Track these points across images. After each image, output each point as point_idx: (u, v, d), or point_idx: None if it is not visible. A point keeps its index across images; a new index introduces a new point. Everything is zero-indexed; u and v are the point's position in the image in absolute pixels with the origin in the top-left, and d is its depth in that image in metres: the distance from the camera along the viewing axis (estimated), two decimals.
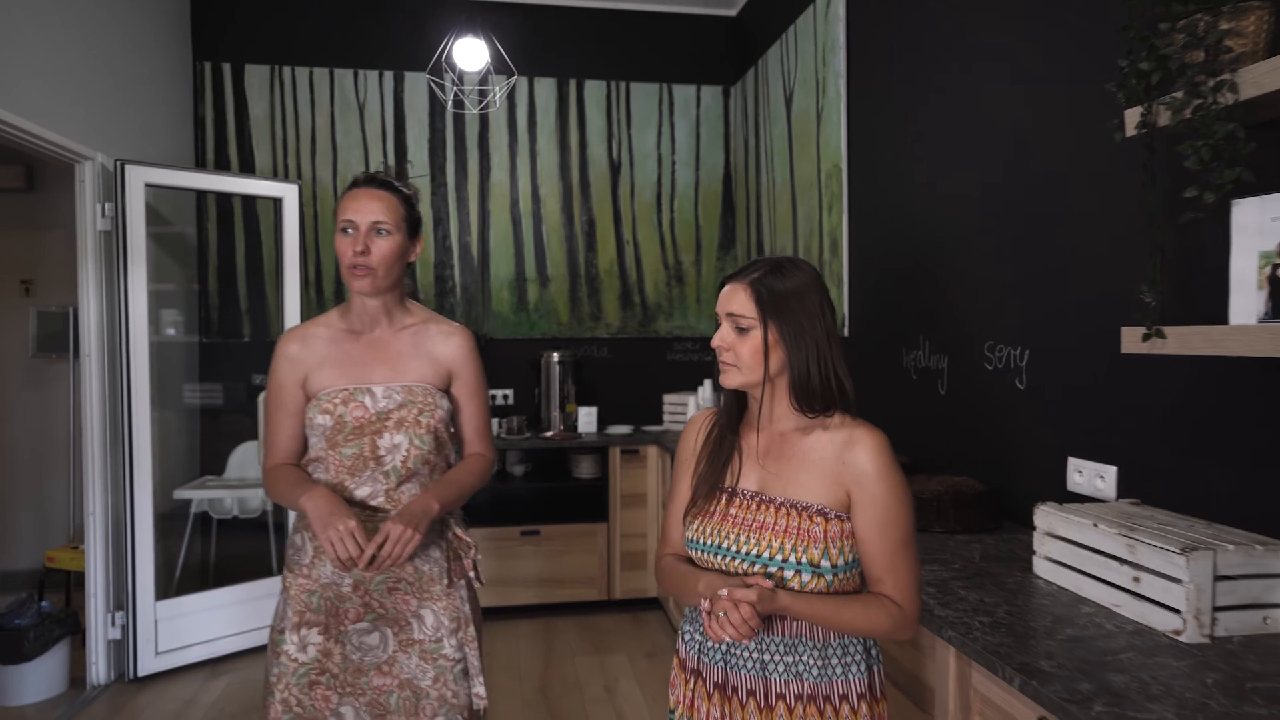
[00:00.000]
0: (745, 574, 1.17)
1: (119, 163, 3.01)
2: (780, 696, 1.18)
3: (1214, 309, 1.28)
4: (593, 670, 3.19)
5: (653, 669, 3.17)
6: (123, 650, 3.07)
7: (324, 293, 4.05)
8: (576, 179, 4.30)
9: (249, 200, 3.89)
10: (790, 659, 1.19)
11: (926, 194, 2.49)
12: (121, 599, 3.07)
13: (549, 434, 3.94)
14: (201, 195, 3.86)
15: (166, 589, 3.19)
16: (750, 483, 1.25)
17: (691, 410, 3.95)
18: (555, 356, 4.03)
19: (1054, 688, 1.10)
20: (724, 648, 1.22)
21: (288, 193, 3.39)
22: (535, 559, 3.73)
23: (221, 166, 3.95)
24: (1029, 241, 2.00)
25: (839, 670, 1.19)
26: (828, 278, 3.18)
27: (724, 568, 1.20)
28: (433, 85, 3.88)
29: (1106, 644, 1.25)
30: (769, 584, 1.12)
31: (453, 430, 1.69)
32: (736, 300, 1.19)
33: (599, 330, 4.33)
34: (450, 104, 3.97)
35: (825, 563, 1.16)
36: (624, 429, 4.05)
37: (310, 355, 1.60)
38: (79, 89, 2.90)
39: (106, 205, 3.02)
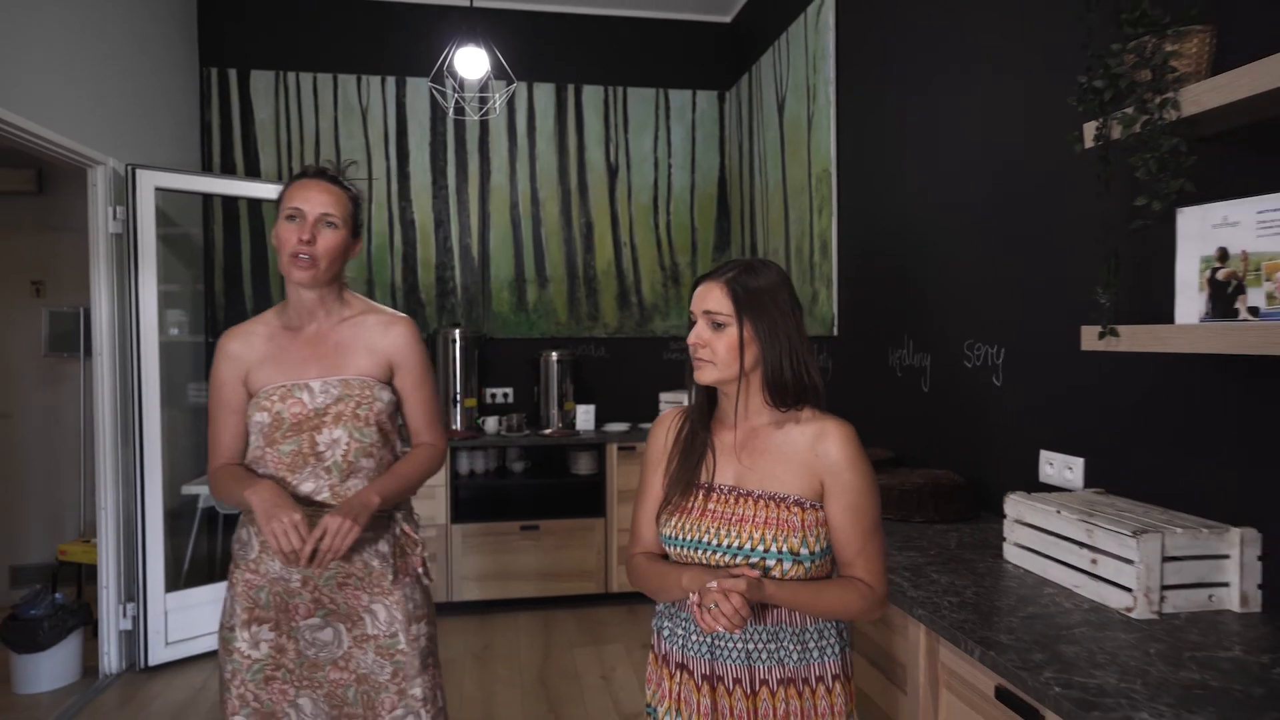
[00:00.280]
0: (728, 566, 1.21)
1: (130, 167, 3.10)
2: (764, 682, 1.23)
3: (1163, 309, 1.38)
4: (590, 660, 3.28)
5: (648, 658, 3.26)
6: (133, 640, 3.17)
7: None
8: (575, 182, 4.40)
9: (254, 203, 3.98)
10: (773, 646, 1.24)
11: (911, 199, 2.59)
12: (132, 591, 3.17)
13: (548, 431, 4.03)
14: (208, 198, 3.95)
15: (175, 581, 3.28)
16: (727, 477, 1.28)
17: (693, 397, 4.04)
18: (554, 355, 4.12)
19: (1009, 657, 1.19)
20: (710, 640, 1.25)
21: None
22: (534, 553, 3.83)
23: (227, 170, 4.05)
24: (1004, 245, 2.09)
25: (815, 654, 1.25)
26: (818, 279, 3.28)
27: (706, 562, 1.23)
28: (435, 93, 3.96)
29: (1063, 620, 1.34)
30: (755, 574, 1.17)
31: (401, 422, 1.68)
32: (712, 298, 1.24)
33: (597, 330, 4.42)
34: (451, 111, 4.06)
35: (804, 550, 1.20)
36: (621, 426, 4.15)
37: (250, 353, 1.58)
38: (92, 96, 2.99)
39: (118, 209, 3.11)
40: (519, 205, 4.35)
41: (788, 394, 1.24)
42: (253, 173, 4.05)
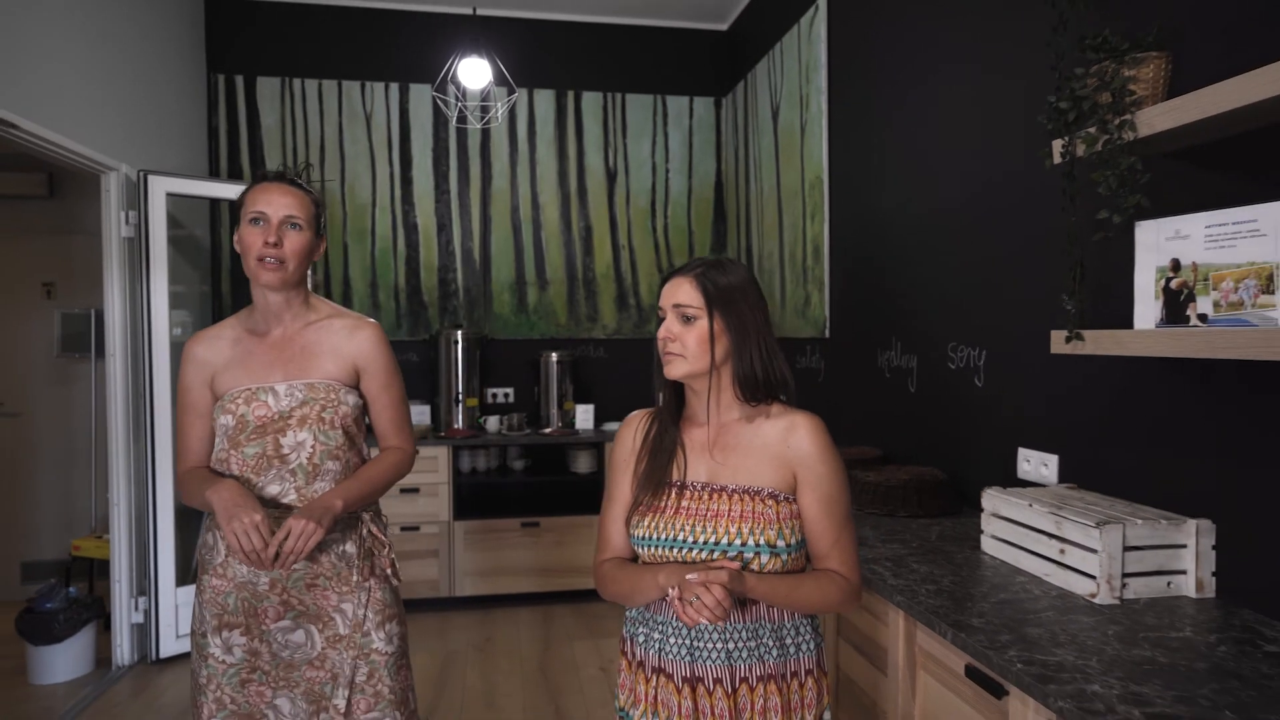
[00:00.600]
0: (706, 562, 1.21)
1: (142, 173, 3.19)
2: (744, 680, 1.23)
3: (1124, 315, 1.47)
4: (589, 652, 3.38)
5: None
6: (145, 633, 3.26)
7: (332, 294, 4.23)
8: (574, 186, 4.50)
9: None
10: (753, 644, 1.24)
11: (898, 207, 2.69)
12: (144, 585, 3.26)
13: (547, 430, 4.13)
14: (215, 201, 4.04)
15: (185, 576, 3.37)
16: (699, 474, 1.28)
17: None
18: (554, 356, 4.21)
19: (979, 639, 1.29)
20: (689, 642, 1.24)
21: None
22: (535, 549, 3.92)
23: (234, 175, 4.14)
24: (984, 253, 2.19)
25: (793, 650, 1.27)
26: (810, 282, 3.38)
27: (682, 560, 1.23)
28: (441, 103, 4.06)
29: (1031, 605, 1.44)
30: (736, 565, 1.17)
31: (368, 425, 1.69)
32: (682, 292, 1.24)
33: (596, 331, 4.52)
34: (455, 120, 4.15)
35: (781, 543, 1.21)
36: (620, 425, 4.23)
37: (216, 357, 1.58)
38: (105, 103, 3.08)
39: (130, 213, 3.21)
40: (520, 209, 4.44)
41: (758, 387, 1.25)
42: None
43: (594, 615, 3.81)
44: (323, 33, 4.22)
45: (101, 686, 3.02)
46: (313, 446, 1.54)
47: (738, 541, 1.20)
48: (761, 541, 1.20)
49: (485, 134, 4.37)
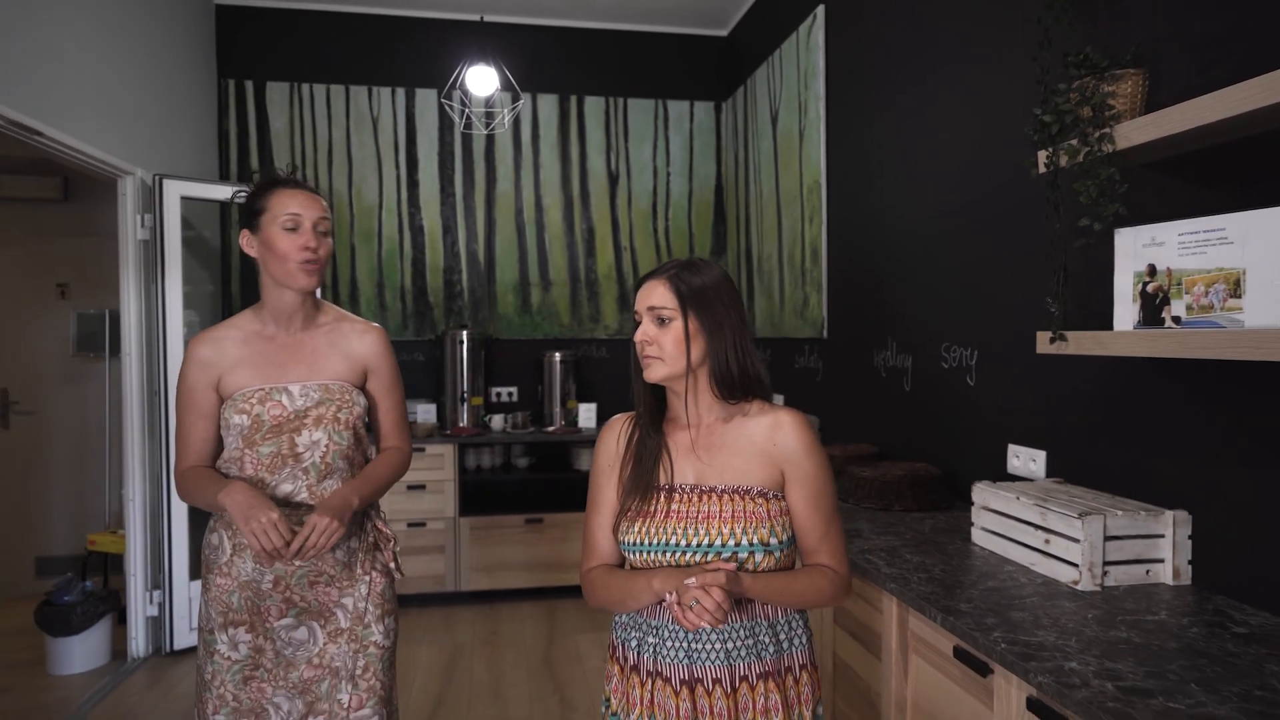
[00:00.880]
0: (700, 565, 1.20)
1: (157, 177, 3.28)
2: (744, 678, 1.23)
3: (1104, 317, 1.56)
4: (592, 645, 3.46)
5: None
6: (160, 626, 3.34)
7: (339, 295, 4.32)
8: (577, 189, 4.58)
9: None
10: (750, 641, 1.24)
11: (894, 211, 2.77)
12: (159, 579, 3.34)
13: (551, 429, 4.21)
14: (225, 204, 4.12)
15: (198, 570, 3.44)
16: (687, 476, 1.27)
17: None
18: (557, 356, 4.30)
19: (966, 622, 1.37)
20: (687, 646, 1.23)
21: None
22: (539, 545, 4.00)
23: (244, 178, 4.21)
24: (975, 256, 2.27)
25: (786, 645, 1.27)
26: (809, 284, 3.46)
27: (675, 563, 1.22)
28: (449, 109, 4.14)
29: (1017, 592, 1.52)
30: (732, 567, 1.17)
31: (368, 425, 1.72)
32: (657, 294, 1.24)
33: (598, 331, 4.60)
34: (463, 126, 4.23)
35: (773, 540, 1.22)
36: None
37: (223, 358, 1.58)
38: (121, 109, 3.16)
39: (146, 216, 3.29)
40: (523, 211, 4.52)
41: (735, 386, 1.25)
42: None
43: (597, 609, 3.89)
44: (330, 39, 4.30)
45: (119, 677, 3.10)
46: (326, 446, 1.57)
47: (731, 542, 1.20)
48: (755, 540, 1.20)
49: (490, 138, 4.46)
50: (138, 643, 3.29)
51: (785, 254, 3.74)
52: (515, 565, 3.99)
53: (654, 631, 1.26)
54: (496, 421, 4.20)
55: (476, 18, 4.27)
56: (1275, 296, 1.22)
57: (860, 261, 3.04)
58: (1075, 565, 1.54)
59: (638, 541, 1.24)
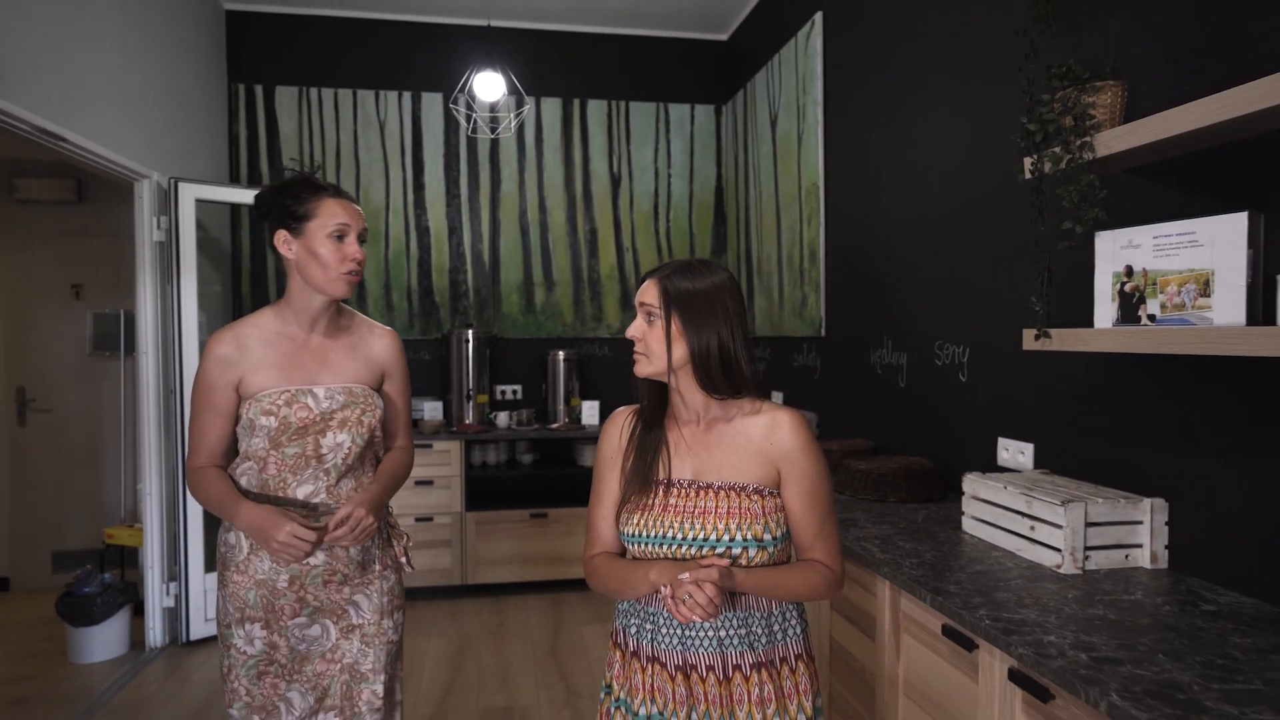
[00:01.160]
0: (695, 559, 1.23)
1: (173, 180, 3.36)
2: (736, 667, 1.26)
3: (1086, 316, 1.64)
4: (597, 636, 3.55)
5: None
6: (176, 617, 3.43)
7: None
8: (580, 191, 4.67)
9: None
10: (743, 631, 1.27)
11: (889, 214, 2.86)
12: (175, 571, 3.43)
13: (555, 425, 4.30)
14: (236, 206, 4.20)
15: (213, 563, 3.54)
16: (684, 472, 1.30)
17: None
18: (561, 354, 4.39)
19: (953, 601, 1.46)
20: (680, 631, 1.27)
21: None
22: (544, 539, 4.09)
23: (254, 181, 4.30)
24: (967, 257, 2.36)
25: (780, 636, 1.30)
26: (807, 283, 3.55)
27: (671, 556, 1.25)
28: (457, 113, 4.22)
29: (1003, 575, 1.61)
30: (725, 563, 1.20)
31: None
32: (648, 293, 1.28)
33: (601, 330, 4.69)
34: (471, 130, 4.32)
35: (767, 536, 1.24)
36: None
37: (245, 357, 1.59)
38: (138, 114, 3.25)
39: (162, 218, 3.37)
40: (527, 213, 4.61)
41: (719, 384, 1.27)
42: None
43: (601, 602, 3.98)
44: (338, 44, 4.39)
45: (137, 666, 3.19)
46: (349, 448, 1.61)
47: (725, 537, 1.23)
48: (749, 536, 1.23)
49: (494, 141, 4.54)
50: (155, 633, 3.38)
51: (784, 254, 3.83)
52: (521, 559, 4.07)
53: (651, 618, 1.30)
54: (502, 419, 4.29)
55: (482, 23, 4.36)
56: (1240, 296, 1.31)
57: (857, 262, 3.13)
58: (1058, 550, 1.63)
59: (635, 533, 1.28)
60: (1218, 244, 1.35)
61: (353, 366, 1.67)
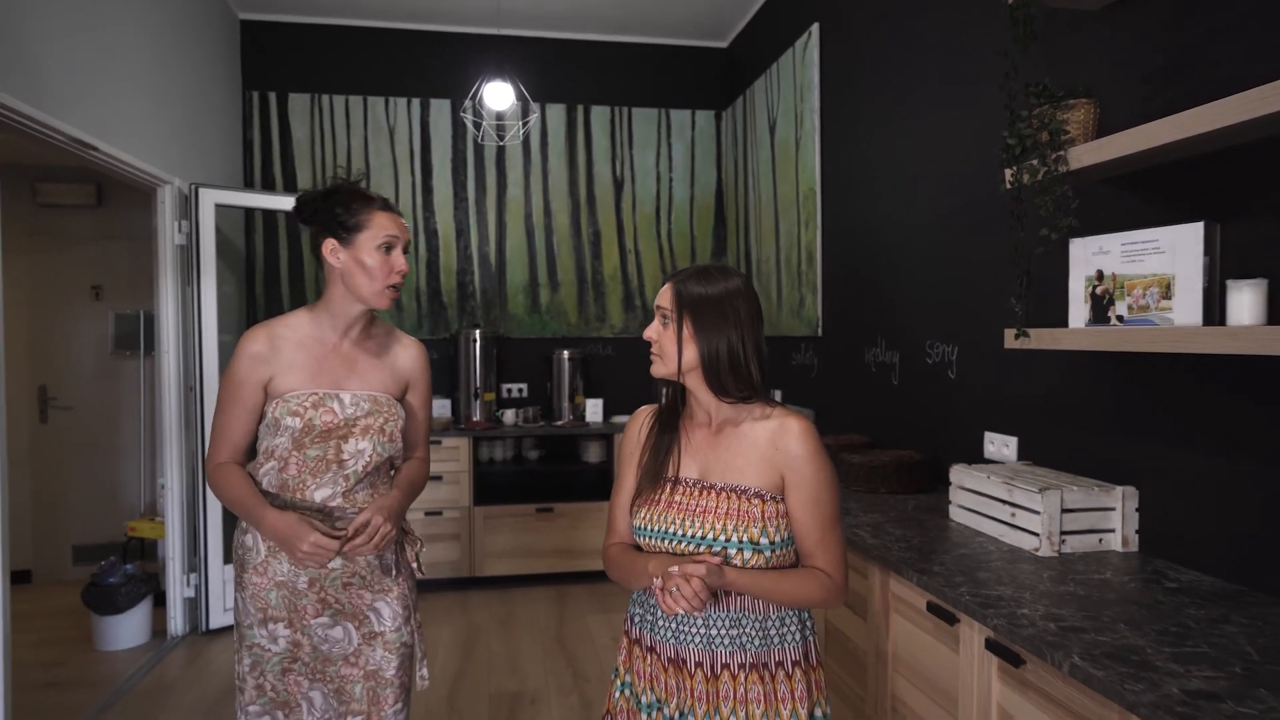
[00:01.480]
0: (692, 554, 1.27)
1: (194, 186, 3.49)
2: (725, 666, 1.29)
3: (1061, 316, 1.77)
4: (602, 625, 3.67)
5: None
6: (196, 607, 3.56)
7: None
8: (584, 194, 4.79)
9: (291, 213, 4.36)
10: (734, 632, 1.29)
11: (883, 218, 2.98)
12: (194, 563, 3.55)
13: (560, 423, 4.42)
14: (250, 210, 4.33)
15: (231, 555, 3.66)
16: (692, 471, 1.35)
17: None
18: (565, 354, 4.51)
19: (937, 580, 1.58)
20: (674, 625, 1.31)
21: None
22: (550, 533, 4.22)
23: (267, 185, 4.43)
24: (955, 260, 2.49)
25: (776, 640, 1.31)
26: (804, 285, 3.67)
27: (672, 550, 1.30)
28: (467, 122, 4.34)
29: (984, 558, 1.74)
30: (716, 560, 1.23)
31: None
32: (665, 296, 1.33)
33: (604, 330, 4.82)
34: (481, 138, 4.44)
35: (764, 540, 1.27)
36: (626, 418, 4.53)
37: (277, 357, 1.60)
38: (161, 122, 3.37)
39: (182, 223, 3.50)
40: (533, 216, 4.74)
41: (729, 387, 1.31)
42: (290, 187, 4.44)
43: (606, 593, 4.11)
44: (349, 52, 4.51)
45: (160, 654, 3.32)
46: (370, 455, 1.62)
47: (722, 537, 1.26)
48: (744, 538, 1.26)
49: (501, 146, 4.66)
50: (176, 622, 3.50)
51: (782, 257, 3.95)
52: (527, 552, 4.20)
53: (651, 610, 1.35)
54: (508, 416, 4.41)
55: (489, 32, 4.49)
56: (1197, 299, 1.44)
57: (852, 265, 3.25)
58: (1036, 535, 1.75)
59: (641, 526, 1.33)
60: (1177, 251, 1.47)
61: (379, 375, 1.69)
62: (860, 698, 1.96)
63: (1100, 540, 1.77)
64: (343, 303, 1.64)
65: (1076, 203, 1.65)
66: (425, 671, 1.74)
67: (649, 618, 1.35)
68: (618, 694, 1.42)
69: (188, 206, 3.51)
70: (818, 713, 1.34)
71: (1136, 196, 1.72)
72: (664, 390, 1.41)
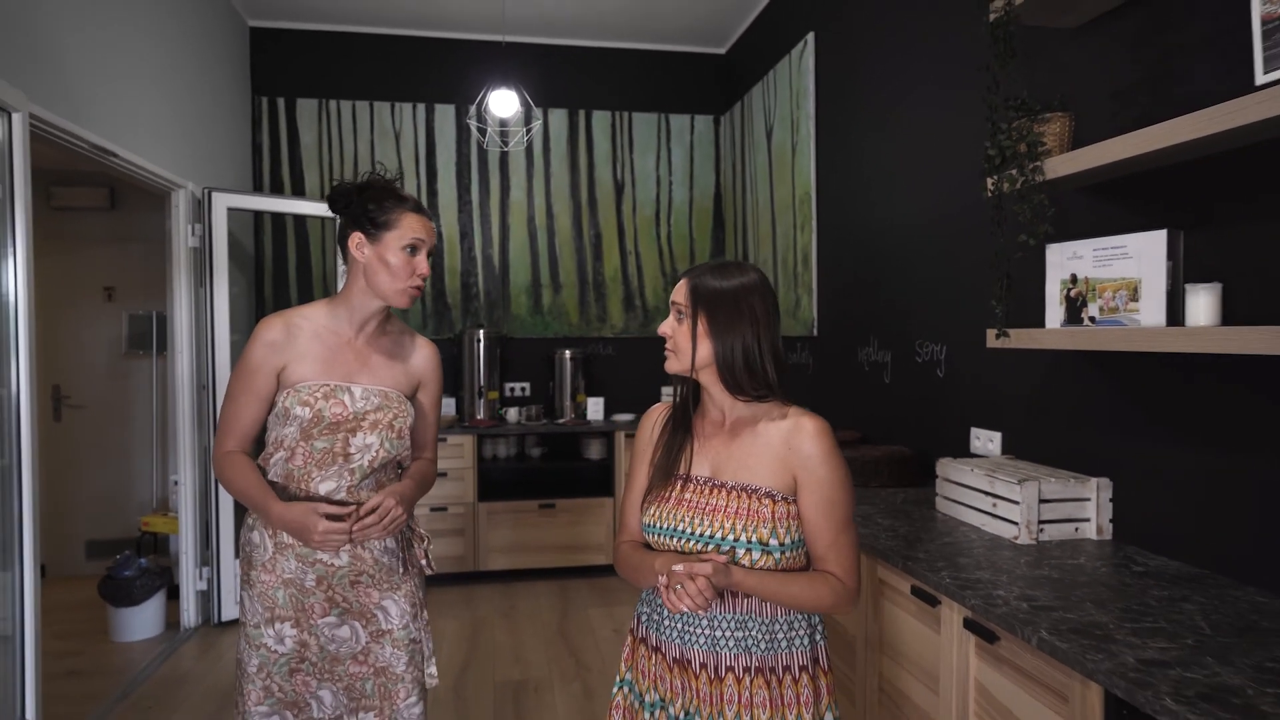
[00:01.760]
0: (700, 553, 1.26)
1: (207, 190, 3.59)
2: (730, 669, 1.27)
3: (1038, 318, 1.87)
4: (603, 618, 3.78)
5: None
6: (208, 599, 3.66)
7: None
8: (585, 197, 4.89)
9: (299, 217, 4.46)
10: (740, 634, 1.27)
11: (877, 222, 3.08)
12: (207, 556, 3.65)
13: (562, 421, 4.53)
14: (258, 212, 4.43)
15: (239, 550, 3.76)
16: (703, 469, 1.33)
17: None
18: (567, 353, 4.61)
19: (921, 566, 1.68)
20: (680, 625, 1.30)
21: None
22: (552, 528, 4.32)
23: (275, 189, 4.53)
24: (943, 263, 2.59)
25: (784, 644, 1.29)
26: (800, 286, 3.77)
27: (680, 548, 1.29)
28: (473, 128, 4.45)
29: (966, 546, 1.84)
30: (723, 559, 1.22)
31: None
32: (680, 292, 1.32)
33: (605, 330, 4.92)
34: (487, 144, 4.55)
35: (773, 541, 1.24)
36: (627, 416, 4.65)
37: (292, 346, 1.61)
38: (175, 128, 3.47)
39: (196, 226, 3.60)
40: (535, 218, 4.84)
41: (744, 385, 1.29)
42: (298, 191, 4.54)
43: (606, 588, 4.21)
44: (356, 58, 4.62)
45: (174, 644, 3.42)
46: (377, 451, 1.62)
47: (730, 536, 1.25)
48: (754, 539, 1.24)
49: (504, 151, 4.77)
50: (189, 614, 3.60)
51: (779, 259, 4.05)
52: (530, 547, 4.30)
53: (658, 609, 1.34)
54: (511, 414, 4.52)
55: (493, 39, 4.59)
56: (1161, 301, 1.54)
57: (847, 266, 3.36)
58: (1016, 524, 1.85)
59: (651, 523, 1.33)
60: (1144, 256, 1.57)
61: (391, 372, 1.69)
62: (850, 680, 2.06)
63: (1076, 529, 1.87)
64: (362, 297, 1.65)
65: (1052, 210, 1.75)
66: (434, 670, 1.75)
67: (655, 617, 1.34)
68: (616, 691, 1.43)
69: (201, 210, 3.60)
70: (828, 717, 1.33)
71: (1109, 204, 1.83)
72: (676, 388, 1.41)
